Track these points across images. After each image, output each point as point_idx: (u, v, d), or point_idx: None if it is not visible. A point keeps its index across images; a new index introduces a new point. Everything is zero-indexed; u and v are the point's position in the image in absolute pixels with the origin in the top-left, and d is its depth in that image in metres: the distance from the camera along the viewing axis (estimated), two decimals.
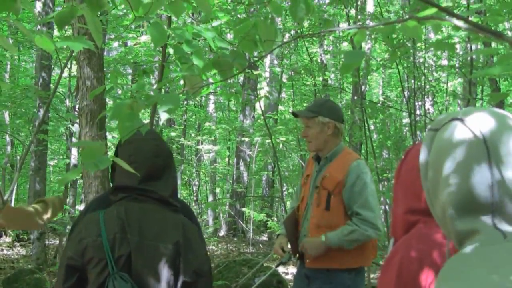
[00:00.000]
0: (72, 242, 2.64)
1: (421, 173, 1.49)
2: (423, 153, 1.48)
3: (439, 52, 13.49)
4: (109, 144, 11.17)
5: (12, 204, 18.43)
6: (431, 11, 1.74)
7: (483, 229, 1.29)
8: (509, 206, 1.29)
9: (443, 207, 1.39)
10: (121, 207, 2.66)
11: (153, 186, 2.70)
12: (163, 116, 2.18)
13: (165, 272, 2.57)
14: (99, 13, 2.72)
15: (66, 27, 2.76)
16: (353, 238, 4.23)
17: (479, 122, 1.35)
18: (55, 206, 3.79)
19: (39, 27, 10.36)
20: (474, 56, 10.21)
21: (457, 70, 12.72)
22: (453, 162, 1.35)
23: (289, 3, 2.71)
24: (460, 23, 1.51)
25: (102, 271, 2.53)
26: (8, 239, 15.74)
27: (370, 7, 14.98)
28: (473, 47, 12.04)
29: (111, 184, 3.47)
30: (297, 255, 4.55)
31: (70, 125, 14.72)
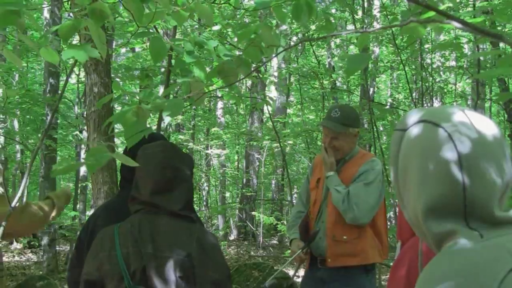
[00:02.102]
0: (89, 257, 2.66)
1: (391, 175, 1.49)
2: (391, 155, 1.49)
3: (446, 53, 13.46)
4: (117, 149, 11.18)
5: None
6: (430, 14, 1.74)
7: (460, 230, 1.31)
8: (480, 207, 1.31)
9: (415, 209, 1.40)
10: (135, 221, 2.67)
11: (163, 200, 2.68)
12: (167, 119, 2.19)
13: (180, 284, 2.56)
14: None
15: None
16: (334, 194, 4.32)
17: (447, 124, 1.36)
18: (60, 201, 3.81)
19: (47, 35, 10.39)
20: (481, 57, 10.18)
21: (464, 70, 12.69)
22: (425, 165, 1.36)
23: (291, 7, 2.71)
24: (459, 25, 1.51)
25: (118, 285, 2.54)
26: (19, 246, 15.79)
27: (377, 9, 14.96)
28: (482, 47, 12.02)
29: (119, 188, 3.50)
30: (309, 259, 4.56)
31: (78, 132, 14.74)
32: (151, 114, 2.58)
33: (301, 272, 5.08)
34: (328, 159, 4.43)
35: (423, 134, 1.38)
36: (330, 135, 4.45)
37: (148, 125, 2.37)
